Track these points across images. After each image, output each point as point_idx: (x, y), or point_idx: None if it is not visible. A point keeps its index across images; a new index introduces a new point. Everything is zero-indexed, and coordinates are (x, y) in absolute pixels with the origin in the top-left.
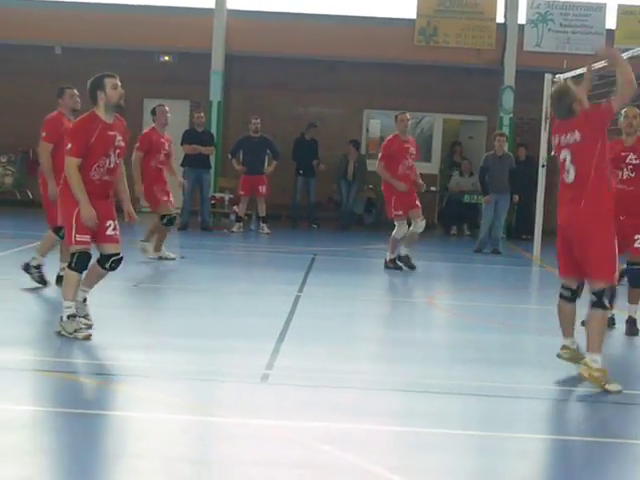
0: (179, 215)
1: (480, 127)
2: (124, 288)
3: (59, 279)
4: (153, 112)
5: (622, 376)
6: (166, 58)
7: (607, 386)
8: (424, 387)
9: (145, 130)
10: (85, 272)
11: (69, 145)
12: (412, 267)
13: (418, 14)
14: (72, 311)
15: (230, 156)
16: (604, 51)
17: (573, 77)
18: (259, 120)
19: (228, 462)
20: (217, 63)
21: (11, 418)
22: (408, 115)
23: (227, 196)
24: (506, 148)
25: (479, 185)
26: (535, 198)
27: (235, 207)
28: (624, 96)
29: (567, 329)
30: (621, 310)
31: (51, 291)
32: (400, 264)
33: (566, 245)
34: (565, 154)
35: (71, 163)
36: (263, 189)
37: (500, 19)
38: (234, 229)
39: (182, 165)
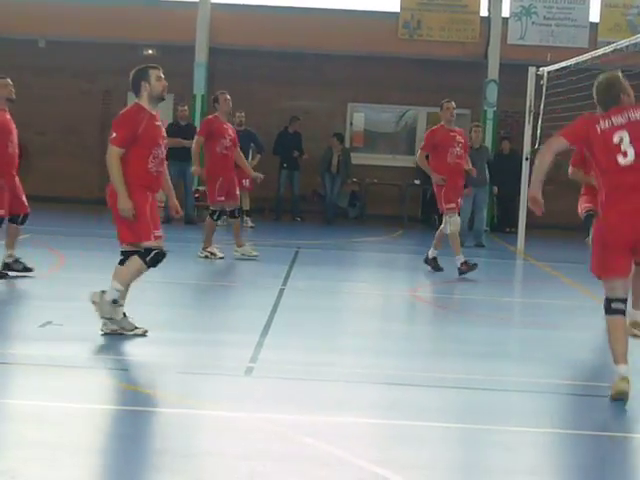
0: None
1: (464, 120)
2: (108, 282)
3: (5, 266)
4: (215, 100)
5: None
6: (149, 51)
7: None
8: (407, 380)
9: (208, 117)
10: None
11: (114, 134)
12: (439, 269)
13: (402, 7)
14: (117, 296)
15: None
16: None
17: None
18: (243, 113)
19: (211, 455)
20: (201, 56)
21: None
22: (453, 104)
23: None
24: (490, 140)
25: None
26: (519, 191)
27: None
28: None
29: (624, 352)
30: None
31: (33, 284)
32: (430, 264)
33: (627, 241)
34: (621, 135)
35: (113, 152)
36: (247, 182)
37: (484, 12)
38: (218, 222)
39: (166, 159)
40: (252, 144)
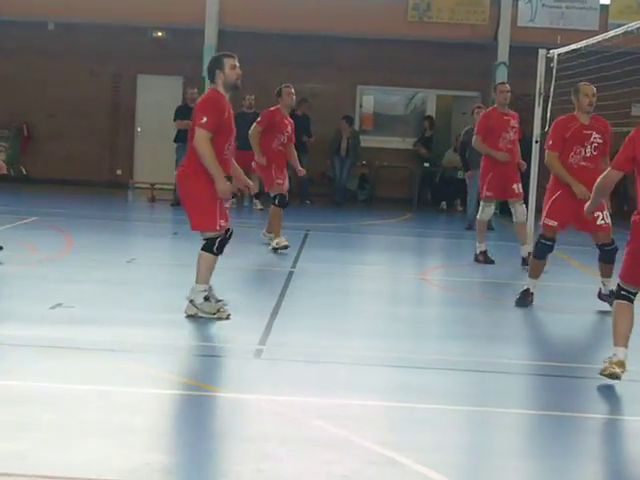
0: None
1: (473, 103)
2: (118, 264)
3: None
4: (278, 93)
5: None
6: (159, 34)
7: None
8: (416, 362)
9: (270, 108)
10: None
11: (204, 119)
12: (491, 261)
13: None
14: (205, 294)
15: None
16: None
17: None
18: (253, 96)
19: (220, 437)
20: (210, 39)
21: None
22: (508, 86)
23: None
24: None
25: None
26: (528, 174)
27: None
28: None
29: (625, 337)
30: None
31: (43, 267)
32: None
33: None
34: None
35: (204, 135)
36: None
37: None
38: (227, 205)
39: (175, 141)
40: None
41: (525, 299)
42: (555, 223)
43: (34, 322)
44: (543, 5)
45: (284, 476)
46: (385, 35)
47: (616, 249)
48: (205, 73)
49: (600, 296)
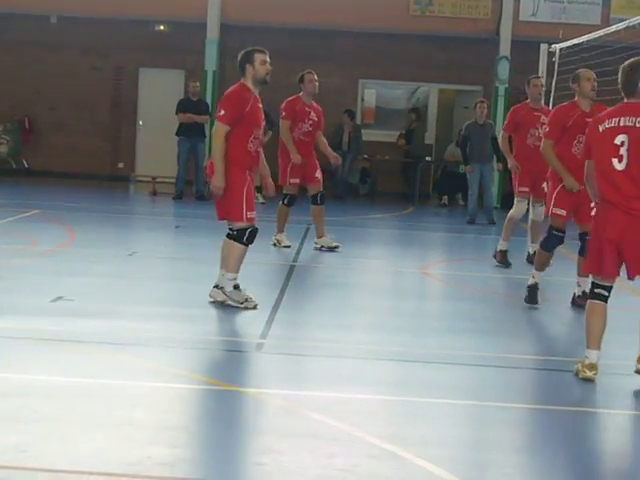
0: (175, 185)
1: (476, 97)
2: (119, 257)
3: None
4: (300, 79)
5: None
6: (161, 27)
7: None
8: (417, 357)
9: (289, 98)
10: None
11: (222, 112)
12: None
13: None
14: (237, 282)
15: None
16: None
17: None
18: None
19: (221, 430)
20: (212, 32)
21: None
22: (542, 80)
23: None
24: (502, 117)
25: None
26: None
27: None
28: None
29: (598, 339)
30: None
31: (44, 260)
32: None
33: (615, 235)
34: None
35: (221, 129)
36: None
37: None
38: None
39: (177, 134)
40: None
41: (534, 296)
42: (564, 212)
43: (34, 315)
44: (545, 0)
45: (285, 470)
46: (387, 29)
47: None
48: (207, 67)
49: (574, 301)
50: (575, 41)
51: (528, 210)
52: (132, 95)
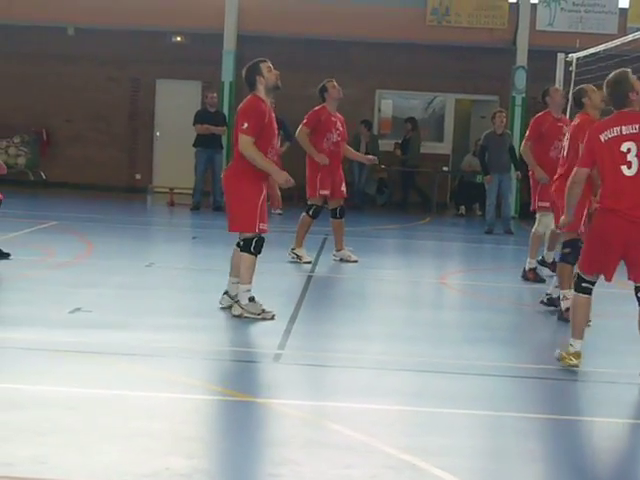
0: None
1: (492, 107)
2: (136, 269)
3: None
4: (323, 89)
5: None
6: (178, 39)
7: None
8: (435, 367)
9: (315, 108)
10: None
11: (245, 124)
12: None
13: None
14: (251, 294)
15: None
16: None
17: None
18: (274, 100)
19: (239, 441)
20: (229, 43)
21: (12, 397)
22: (562, 90)
23: None
24: (519, 126)
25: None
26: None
27: None
28: None
29: (583, 329)
30: None
31: (62, 271)
32: (540, 274)
33: (619, 244)
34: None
35: (248, 140)
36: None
37: None
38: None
39: (194, 145)
40: (281, 131)
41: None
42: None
43: (52, 326)
44: (562, 9)
45: None
46: (403, 39)
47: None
48: (224, 78)
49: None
50: (592, 50)
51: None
52: (149, 106)
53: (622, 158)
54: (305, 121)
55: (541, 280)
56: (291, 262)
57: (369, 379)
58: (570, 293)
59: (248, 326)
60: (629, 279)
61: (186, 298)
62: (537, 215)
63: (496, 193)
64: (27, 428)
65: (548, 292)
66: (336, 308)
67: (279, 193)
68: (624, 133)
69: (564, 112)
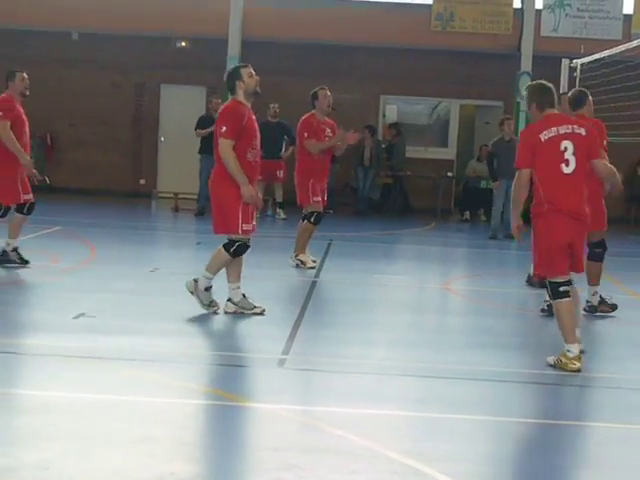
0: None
1: (496, 112)
2: (140, 274)
3: (3, 254)
4: (314, 96)
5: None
6: (182, 44)
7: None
8: (439, 372)
9: (304, 116)
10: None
11: (224, 128)
12: None
13: None
14: (210, 284)
15: None
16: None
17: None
18: (277, 105)
19: (243, 446)
20: (233, 49)
21: (16, 403)
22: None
23: None
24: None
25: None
26: None
27: None
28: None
29: (575, 332)
30: None
31: (66, 277)
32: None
33: (568, 241)
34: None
35: (227, 144)
36: (280, 174)
37: (517, 4)
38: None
39: (199, 152)
40: (285, 136)
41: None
42: None
43: (56, 332)
44: (566, 15)
45: None
46: (408, 45)
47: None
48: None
49: (595, 308)
50: (596, 56)
51: None
52: (153, 111)
53: (561, 156)
54: (305, 135)
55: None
56: (295, 268)
57: (373, 384)
58: (596, 288)
59: (252, 331)
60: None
61: (190, 304)
62: None
63: (503, 199)
64: (31, 433)
65: (546, 299)
66: (340, 313)
67: (260, 196)
68: (561, 133)
69: None
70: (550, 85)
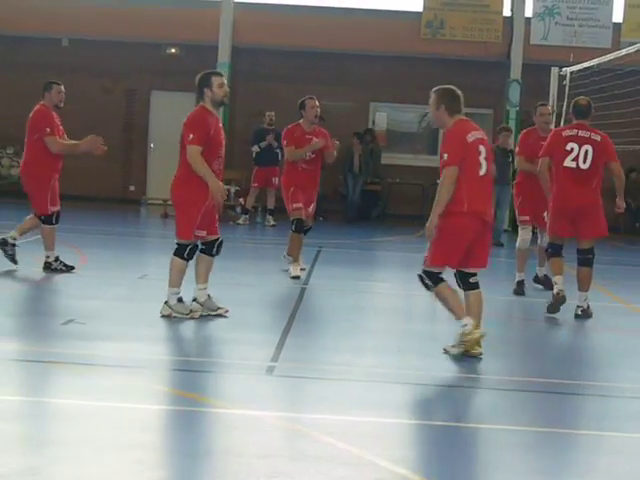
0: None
1: (486, 120)
2: (130, 280)
3: (46, 266)
4: (302, 105)
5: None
6: (173, 50)
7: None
8: (427, 380)
9: (289, 126)
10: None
11: (191, 136)
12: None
13: (425, 7)
14: (178, 296)
15: (257, 147)
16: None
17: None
18: (273, 113)
19: (231, 454)
20: (224, 55)
21: (5, 409)
22: (549, 108)
23: (233, 188)
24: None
25: None
26: None
27: (241, 199)
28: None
29: (462, 306)
30: None
31: (55, 283)
32: (539, 286)
33: (471, 239)
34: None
35: (195, 150)
36: (276, 181)
37: (507, 12)
38: (240, 221)
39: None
40: (277, 142)
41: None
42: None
43: (46, 338)
44: (556, 23)
45: None
46: (398, 52)
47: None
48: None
49: (583, 314)
50: (586, 64)
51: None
52: (143, 118)
53: (478, 159)
54: (285, 142)
55: (520, 293)
56: (284, 275)
57: (362, 392)
58: (587, 294)
59: (240, 338)
60: (468, 266)
61: None
62: (519, 229)
63: (494, 204)
64: (20, 439)
65: (579, 304)
66: (329, 321)
67: (221, 201)
68: (478, 137)
69: (558, 126)
70: (460, 93)
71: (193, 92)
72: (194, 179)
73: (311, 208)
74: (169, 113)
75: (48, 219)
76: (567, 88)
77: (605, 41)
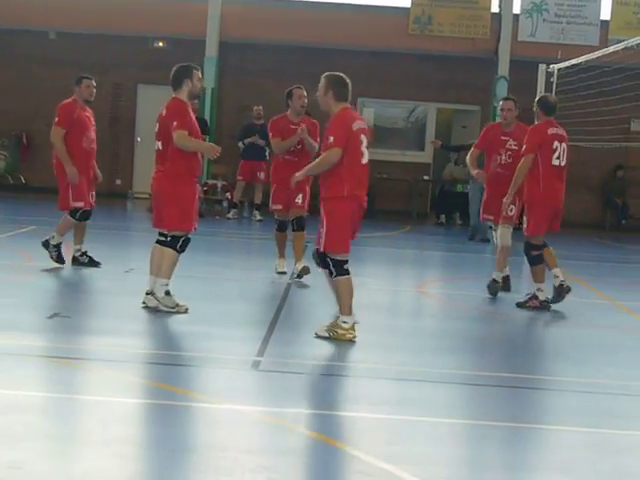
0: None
1: (473, 116)
2: (116, 274)
3: (74, 260)
4: (289, 95)
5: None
6: (160, 44)
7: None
8: (414, 375)
9: (274, 117)
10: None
11: (175, 123)
12: (508, 289)
13: (413, 3)
14: (168, 288)
15: (241, 144)
16: None
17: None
18: (261, 107)
19: (216, 448)
20: (211, 50)
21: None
22: (510, 103)
23: (220, 183)
24: None
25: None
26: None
27: (227, 194)
28: None
29: (351, 304)
30: None
31: (41, 276)
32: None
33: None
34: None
35: (183, 134)
36: (262, 175)
37: (495, 9)
38: (229, 215)
39: None
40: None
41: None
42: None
43: (31, 331)
44: (544, 20)
45: None
46: (386, 48)
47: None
48: (206, 84)
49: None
50: (573, 61)
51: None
52: (130, 112)
53: (360, 147)
54: (271, 135)
55: (493, 293)
56: (271, 270)
57: (349, 387)
58: (542, 285)
59: (226, 333)
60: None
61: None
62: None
63: (480, 199)
64: (2, 433)
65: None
66: (315, 316)
67: (216, 154)
68: (361, 126)
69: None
70: (349, 81)
71: None
72: (185, 172)
73: (300, 199)
74: (156, 107)
75: (73, 213)
76: (554, 85)
77: (593, 38)
